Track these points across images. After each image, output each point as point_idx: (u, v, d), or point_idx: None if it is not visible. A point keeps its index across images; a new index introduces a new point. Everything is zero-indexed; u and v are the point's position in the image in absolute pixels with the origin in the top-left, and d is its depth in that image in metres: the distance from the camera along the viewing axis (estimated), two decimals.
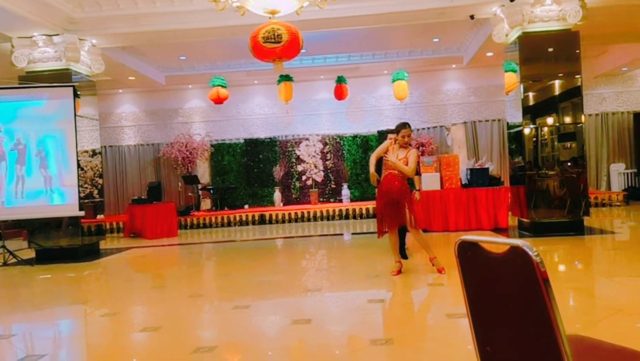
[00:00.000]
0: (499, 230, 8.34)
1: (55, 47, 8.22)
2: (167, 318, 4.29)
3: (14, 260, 7.61)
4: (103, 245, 9.36)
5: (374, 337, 3.44)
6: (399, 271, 5.34)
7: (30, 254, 8.06)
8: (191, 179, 13.02)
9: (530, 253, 1.32)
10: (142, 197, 11.38)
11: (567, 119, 8.63)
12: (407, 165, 5.19)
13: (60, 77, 8.21)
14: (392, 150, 5.35)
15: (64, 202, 7.79)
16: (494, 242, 1.51)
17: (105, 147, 13.55)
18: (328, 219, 12.06)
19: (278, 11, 4.95)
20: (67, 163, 7.90)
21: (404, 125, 5.33)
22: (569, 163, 9.20)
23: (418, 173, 5.86)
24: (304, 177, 13.31)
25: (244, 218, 12.13)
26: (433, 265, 5.30)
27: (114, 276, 6.93)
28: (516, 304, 1.43)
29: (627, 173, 12.75)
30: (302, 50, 10.61)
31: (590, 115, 12.90)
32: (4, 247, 7.72)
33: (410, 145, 5.40)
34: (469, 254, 1.56)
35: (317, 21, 7.94)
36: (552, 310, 1.30)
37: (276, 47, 4.92)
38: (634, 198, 11.83)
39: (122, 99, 14.06)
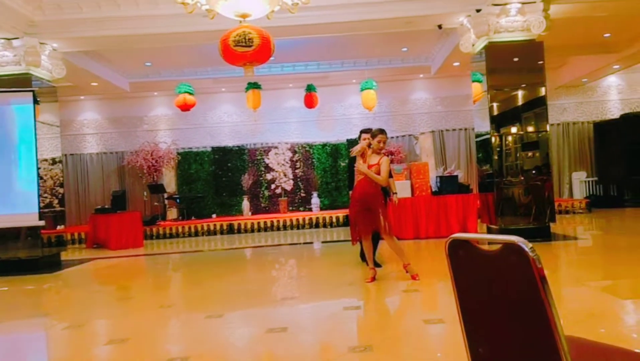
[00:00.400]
0: None
1: (14, 51, 7.91)
2: (135, 330, 4.10)
3: None
4: (65, 256, 8.98)
5: (352, 344, 3.37)
6: (373, 278, 5.30)
7: None
8: (157, 188, 12.71)
9: (526, 249, 1.28)
10: (106, 207, 11.03)
11: (532, 128, 8.83)
12: (379, 173, 5.17)
13: (19, 82, 7.88)
14: (366, 155, 5.32)
15: (23, 212, 7.44)
16: (487, 239, 1.47)
17: (66, 155, 13.09)
18: (298, 228, 11.95)
19: (249, 15, 4.87)
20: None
21: (381, 131, 5.32)
22: (533, 171, 9.41)
23: (391, 176, 5.84)
24: (273, 186, 13.19)
25: (211, 228, 11.89)
26: (407, 271, 5.27)
27: (77, 288, 6.64)
28: (511, 303, 1.39)
29: (588, 182, 13.16)
30: (272, 58, 10.65)
31: (552, 124, 13.24)
32: None
33: (382, 151, 5.39)
34: (460, 253, 1.52)
35: (287, 28, 7.90)
36: (549, 308, 1.26)
37: (247, 51, 4.84)
38: (595, 206, 12.20)
39: (84, 106, 13.65)
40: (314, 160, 13.56)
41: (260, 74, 11.94)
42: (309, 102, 12.65)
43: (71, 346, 3.91)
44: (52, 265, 7.97)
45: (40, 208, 7.63)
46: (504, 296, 1.41)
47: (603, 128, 13.19)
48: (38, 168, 7.78)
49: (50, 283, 6.83)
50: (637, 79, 13.46)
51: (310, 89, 12.63)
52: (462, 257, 1.52)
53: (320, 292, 5.22)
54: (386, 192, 5.71)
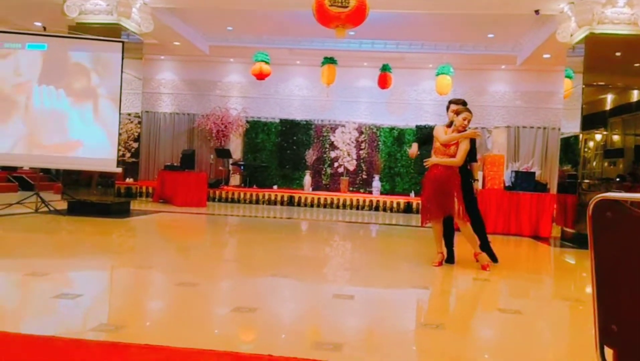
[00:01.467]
0: (539, 238, 7.99)
1: (107, 1, 8.15)
2: (203, 277, 4.13)
3: (46, 208, 7.61)
4: (133, 206, 9.31)
5: (422, 321, 3.23)
6: (441, 263, 5.08)
7: (63, 205, 8.05)
8: (224, 153, 12.93)
9: None
10: (175, 164, 11.33)
11: (624, 133, 8.24)
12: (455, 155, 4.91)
13: (110, 32, 8.13)
14: (445, 134, 5.07)
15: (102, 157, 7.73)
16: None
17: (142, 112, 13.54)
18: (357, 208, 11.81)
19: None
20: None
21: (467, 108, 5.05)
22: (617, 179, 8.82)
23: (475, 160, 5.51)
24: (336, 164, 13.09)
25: (272, 198, 11.98)
26: (477, 260, 5.03)
27: (146, 234, 6.87)
28: None
29: None
30: (351, 33, 10.46)
31: None
32: (37, 194, 7.72)
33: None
34: (609, 215, 1.34)
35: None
36: None
37: (342, 12, 4.70)
38: None
39: (162, 66, 14.03)
40: (379, 142, 13.33)
41: (337, 49, 11.80)
42: (383, 83, 12.39)
43: (145, 284, 4.00)
44: (122, 212, 8.28)
45: (117, 157, 7.90)
46: None
47: None
48: (120, 119, 8.02)
49: (120, 228, 7.08)
50: None
51: (385, 68, 12.35)
52: (609, 219, 1.34)
53: (386, 269, 5.08)
54: (469, 174, 5.31)
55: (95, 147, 7.74)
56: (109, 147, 7.77)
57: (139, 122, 10.10)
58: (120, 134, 8.70)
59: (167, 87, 14.14)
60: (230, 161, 13.24)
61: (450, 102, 5.33)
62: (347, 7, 4.66)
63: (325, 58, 11.96)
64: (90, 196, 8.15)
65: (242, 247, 6.41)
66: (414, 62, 12.72)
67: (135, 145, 9.95)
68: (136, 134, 9.93)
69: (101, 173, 8.17)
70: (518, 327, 3.26)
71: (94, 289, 3.84)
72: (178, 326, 2.86)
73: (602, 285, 1.40)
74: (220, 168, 13.21)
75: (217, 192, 11.94)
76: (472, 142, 5.17)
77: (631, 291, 1.32)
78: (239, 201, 11.88)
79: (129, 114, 9.52)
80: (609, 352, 1.45)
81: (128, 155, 9.88)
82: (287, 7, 8.88)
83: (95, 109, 7.84)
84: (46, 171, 12.30)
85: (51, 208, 7.63)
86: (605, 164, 8.81)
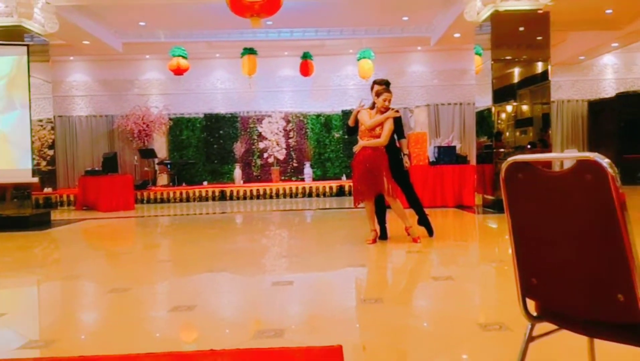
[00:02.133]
0: (464, 207, 8.41)
1: (6, 2, 7.57)
2: (135, 281, 4.00)
3: None
4: (54, 216, 8.79)
5: (362, 297, 3.32)
6: (375, 240, 5.24)
7: None
8: (148, 153, 12.48)
9: (604, 164, 1.19)
10: (97, 169, 10.80)
11: (533, 103, 8.80)
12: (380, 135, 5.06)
13: (11, 35, 7.57)
14: (369, 117, 5.20)
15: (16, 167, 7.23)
16: (552, 158, 1.39)
17: (54, 117, 12.75)
18: (290, 197, 11.86)
19: None
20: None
21: (387, 89, 5.19)
22: (529, 146, 9.43)
23: (403, 136, 5.66)
24: (265, 155, 13.02)
25: (203, 194, 11.76)
26: (409, 234, 5.23)
27: (70, 244, 6.48)
28: (579, 230, 1.30)
29: None
30: (269, 22, 10.39)
31: None
32: None
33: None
34: (520, 176, 1.43)
35: None
36: (626, 234, 1.18)
37: (256, 2, 4.65)
38: None
39: (73, 67, 13.27)
40: (307, 130, 13.39)
41: (257, 39, 11.68)
42: (305, 70, 12.42)
43: (74, 295, 3.81)
44: (42, 223, 7.80)
45: (32, 166, 7.41)
46: (571, 221, 1.32)
47: (597, 107, 13.22)
48: (32, 127, 7.51)
49: (42, 240, 6.67)
50: (633, 58, 13.45)
51: (306, 56, 12.38)
52: (521, 181, 1.44)
53: (323, 252, 5.15)
54: (396, 152, 5.44)
55: (7, 158, 7.21)
56: (23, 157, 7.27)
57: (52, 128, 9.52)
58: (33, 142, 8.18)
59: (80, 89, 13.39)
60: (156, 160, 12.81)
61: (375, 82, 5.46)
62: None
63: (245, 49, 11.80)
64: (6, 210, 7.62)
65: (175, 246, 6.25)
66: (335, 49, 12.85)
67: (50, 152, 9.37)
68: (50, 141, 9.35)
69: (15, 184, 7.64)
70: (451, 292, 3.44)
71: (20, 306, 3.61)
72: (114, 334, 2.76)
73: (520, 242, 1.51)
74: (146, 168, 12.74)
75: (145, 194, 11.54)
76: (398, 120, 5.32)
77: (546, 245, 1.43)
78: (168, 201, 11.56)
79: (41, 120, 8.95)
80: (531, 304, 1.57)
81: (44, 163, 9.28)
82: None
83: (4, 118, 7.30)
84: None
85: None
86: (517, 133, 9.38)
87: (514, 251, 1.52)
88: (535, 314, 1.54)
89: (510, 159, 1.45)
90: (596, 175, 1.20)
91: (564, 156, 1.27)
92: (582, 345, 1.73)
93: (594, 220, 1.24)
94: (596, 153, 1.22)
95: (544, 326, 1.56)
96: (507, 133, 8.38)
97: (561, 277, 1.39)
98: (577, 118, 13.54)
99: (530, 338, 1.54)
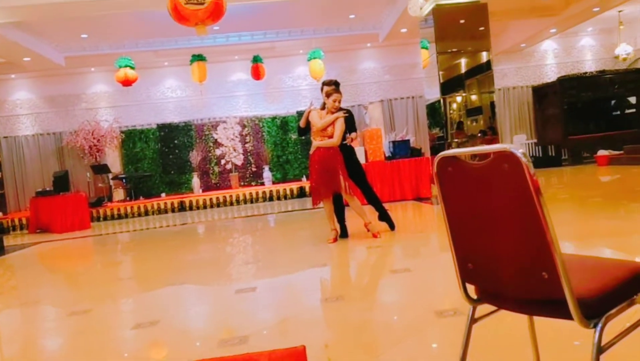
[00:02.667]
0: (421, 199, 8.62)
1: None
2: (96, 301, 3.93)
3: None
4: (7, 242, 8.48)
5: (324, 296, 3.38)
6: (336, 239, 5.33)
7: None
8: (101, 169, 12.18)
9: (518, 154, 1.29)
10: (48, 189, 10.47)
11: (480, 92, 9.10)
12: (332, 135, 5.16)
13: None
14: (320, 117, 5.28)
15: None
16: (477, 151, 1.48)
17: None
18: (251, 202, 11.83)
19: None
20: None
21: (336, 89, 5.27)
22: (479, 134, 9.75)
23: (354, 130, 5.73)
24: (223, 161, 12.92)
25: (162, 207, 11.57)
26: (368, 230, 5.33)
27: (26, 269, 6.28)
28: (503, 216, 1.40)
29: (529, 144, 13.74)
30: (215, 28, 10.32)
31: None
32: None
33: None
34: (450, 170, 1.52)
35: None
36: (544, 219, 1.27)
37: (199, 9, 4.63)
38: (536, 166, 12.69)
39: (16, 85, 12.80)
40: (264, 133, 13.37)
41: (205, 45, 11.58)
42: (256, 74, 12.39)
43: (34, 321, 3.71)
44: None
45: None
46: (496, 208, 1.42)
47: (541, 92, 13.75)
48: None
49: None
50: (572, 42, 14.07)
51: (256, 60, 12.35)
52: (451, 174, 1.53)
53: (285, 255, 5.19)
54: (350, 151, 5.54)
55: None
56: None
57: None
58: None
59: (25, 108, 12.93)
60: (110, 176, 12.52)
61: (324, 84, 5.51)
62: (203, 3, 4.61)
63: (194, 56, 11.67)
64: None
65: (135, 262, 6.15)
66: (285, 50, 12.87)
67: None
68: None
69: None
70: (409, 283, 3.55)
71: None
72: (79, 358, 2.72)
73: (454, 231, 1.60)
74: (100, 185, 12.43)
75: (101, 211, 11.27)
76: (349, 119, 5.41)
77: (477, 232, 1.52)
78: (126, 216, 11.32)
79: None
80: (472, 288, 1.66)
81: None
82: (139, 8, 8.52)
83: None
84: None
85: None
86: (468, 122, 9.70)
87: (450, 239, 1.61)
88: (475, 297, 1.63)
89: (441, 154, 1.53)
90: (512, 164, 1.30)
91: (486, 149, 1.36)
92: (523, 323, 1.83)
93: (515, 206, 1.34)
94: (511, 145, 1.32)
95: (487, 308, 1.66)
96: (458, 124, 8.64)
97: (493, 261, 1.49)
98: (523, 105, 14.04)
99: (473, 320, 1.63)
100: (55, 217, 9.61)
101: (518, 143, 13.63)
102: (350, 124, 5.49)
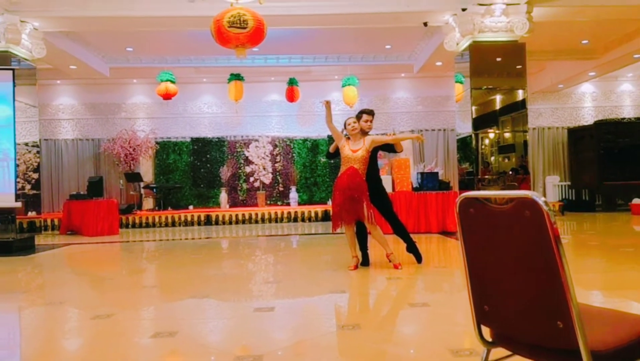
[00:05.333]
0: (447, 233, 8.55)
1: None
2: (119, 306, 4.04)
3: None
4: (38, 241, 8.75)
5: (340, 323, 3.40)
6: (356, 267, 5.34)
7: None
8: (134, 177, 12.51)
9: (540, 202, 1.32)
10: (82, 193, 10.80)
11: (513, 130, 9.05)
12: (365, 159, 5.24)
13: None
14: (347, 145, 5.36)
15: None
16: (500, 195, 1.52)
17: (40, 140, 12.77)
18: (276, 221, 11.94)
19: None
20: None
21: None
22: (510, 172, 9.66)
23: (395, 151, 5.86)
24: (251, 179, 13.13)
25: (189, 219, 11.79)
26: (390, 260, 5.34)
27: (55, 269, 6.48)
28: (522, 260, 1.42)
29: (562, 186, 13.50)
30: (255, 49, 10.61)
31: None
32: None
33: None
34: (471, 211, 1.56)
35: (275, 17, 7.86)
36: (562, 268, 1.30)
37: (241, 33, 4.82)
38: (568, 210, 12.51)
39: (60, 91, 13.36)
40: (294, 154, 13.55)
41: (243, 65, 11.89)
42: (290, 96, 12.64)
43: (58, 321, 3.83)
44: (26, 248, 7.78)
45: (16, 191, 7.43)
46: (515, 254, 1.45)
47: (577, 134, 13.56)
48: (16, 150, 7.56)
49: (25, 265, 6.66)
50: (611, 86, 13.89)
51: (292, 82, 12.62)
52: (472, 215, 1.56)
53: (305, 278, 5.23)
54: (379, 180, 5.64)
55: None
56: (6, 181, 7.29)
57: (38, 152, 9.55)
58: (17, 165, 8.20)
59: (67, 113, 13.46)
60: (142, 184, 12.84)
61: (362, 112, 5.63)
62: (245, 28, 4.78)
63: (232, 75, 12.01)
64: None
65: (159, 271, 6.28)
66: (320, 75, 13.10)
67: (35, 175, 9.38)
68: (36, 164, 9.37)
69: None
70: (426, 318, 3.53)
71: (2, 333, 3.63)
72: (94, 360, 2.80)
73: (472, 272, 1.63)
74: (132, 193, 12.76)
75: (130, 218, 11.54)
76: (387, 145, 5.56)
77: (494, 275, 1.55)
78: (154, 225, 11.56)
79: (27, 144, 8.98)
80: (487, 330, 1.68)
81: (28, 187, 9.28)
82: (186, 27, 8.86)
83: None
84: None
85: None
86: (500, 159, 9.62)
87: (468, 280, 1.64)
88: (490, 340, 1.65)
89: (463, 195, 1.58)
90: (534, 211, 1.33)
91: (509, 193, 1.40)
92: None
93: (534, 252, 1.36)
94: (534, 192, 1.35)
95: (501, 351, 1.67)
96: (489, 160, 8.59)
97: (509, 305, 1.51)
98: (557, 145, 13.86)
99: None
100: (87, 220, 9.89)
101: (550, 185, 13.42)
102: (389, 146, 5.62)
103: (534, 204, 1.33)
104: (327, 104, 5.44)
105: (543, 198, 1.32)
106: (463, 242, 1.62)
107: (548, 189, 13.46)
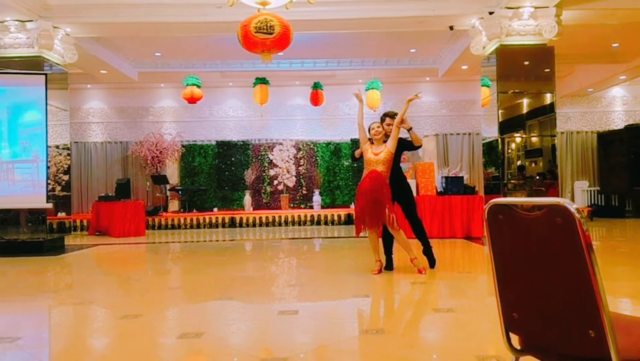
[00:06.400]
0: (472, 238, 8.45)
1: (27, 34, 7.95)
2: (147, 308, 4.11)
3: None
4: (67, 241, 8.97)
5: (363, 328, 3.39)
6: (380, 271, 5.33)
7: None
8: (160, 179, 12.72)
9: (572, 209, 1.30)
10: (110, 194, 11.03)
11: (540, 134, 8.91)
12: (389, 159, 5.22)
13: (31, 65, 7.91)
14: (370, 148, 5.36)
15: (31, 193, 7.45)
16: (530, 202, 1.50)
17: (70, 143, 13.11)
18: (299, 224, 11.98)
19: (269, 3, 4.91)
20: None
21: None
22: (537, 177, 9.49)
23: (414, 148, 5.83)
24: (275, 182, 13.21)
25: (213, 221, 11.92)
26: (414, 265, 5.30)
27: (84, 269, 6.65)
28: (552, 268, 1.40)
29: (591, 191, 13.21)
30: (280, 54, 10.69)
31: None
32: None
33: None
34: (500, 217, 1.54)
35: (301, 22, 7.93)
36: (594, 276, 1.28)
37: (267, 39, 4.87)
38: (597, 215, 12.23)
39: (90, 95, 13.68)
40: (317, 158, 13.59)
41: (269, 69, 11.99)
42: (315, 100, 12.70)
43: (87, 320, 3.92)
44: (56, 248, 7.98)
45: (47, 192, 7.63)
46: (545, 261, 1.43)
47: (607, 139, 13.27)
48: (48, 152, 7.78)
49: (55, 265, 6.83)
50: None
51: (316, 86, 12.67)
52: (501, 222, 1.55)
53: (329, 281, 5.23)
54: (403, 181, 5.63)
55: (22, 184, 7.45)
56: (38, 183, 7.50)
57: (69, 154, 9.81)
58: (48, 167, 8.43)
59: (97, 116, 13.78)
60: (168, 187, 13.05)
61: (386, 115, 5.61)
62: (272, 33, 4.84)
63: (257, 79, 12.12)
64: (20, 235, 7.83)
65: (185, 273, 6.37)
66: (345, 79, 13.12)
67: (65, 177, 9.63)
68: (66, 166, 9.62)
69: (30, 209, 7.86)
70: (451, 324, 3.50)
71: (33, 330, 3.74)
72: (122, 359, 2.86)
73: (501, 278, 1.61)
74: (158, 195, 12.97)
75: (156, 220, 11.73)
76: (405, 141, 5.53)
77: (524, 282, 1.53)
78: (179, 227, 11.73)
79: (57, 146, 9.25)
80: (516, 337, 1.66)
81: (59, 188, 9.54)
82: (213, 32, 8.99)
83: (20, 143, 7.56)
84: None
85: None
86: (527, 163, 9.49)
87: (496, 286, 1.62)
88: (518, 347, 1.63)
89: (492, 201, 1.57)
90: (565, 219, 1.31)
91: (540, 200, 1.39)
92: None
93: (565, 260, 1.35)
94: (566, 199, 1.33)
95: (529, 359, 1.65)
96: (515, 164, 8.48)
97: (539, 313, 1.49)
98: (586, 150, 13.58)
99: None
100: (115, 221, 10.10)
101: (579, 190, 13.16)
102: (408, 143, 5.60)
103: (565, 211, 1.31)
104: (358, 96, 5.46)
105: (575, 206, 1.30)
106: (492, 248, 1.61)
107: (577, 194, 13.19)
